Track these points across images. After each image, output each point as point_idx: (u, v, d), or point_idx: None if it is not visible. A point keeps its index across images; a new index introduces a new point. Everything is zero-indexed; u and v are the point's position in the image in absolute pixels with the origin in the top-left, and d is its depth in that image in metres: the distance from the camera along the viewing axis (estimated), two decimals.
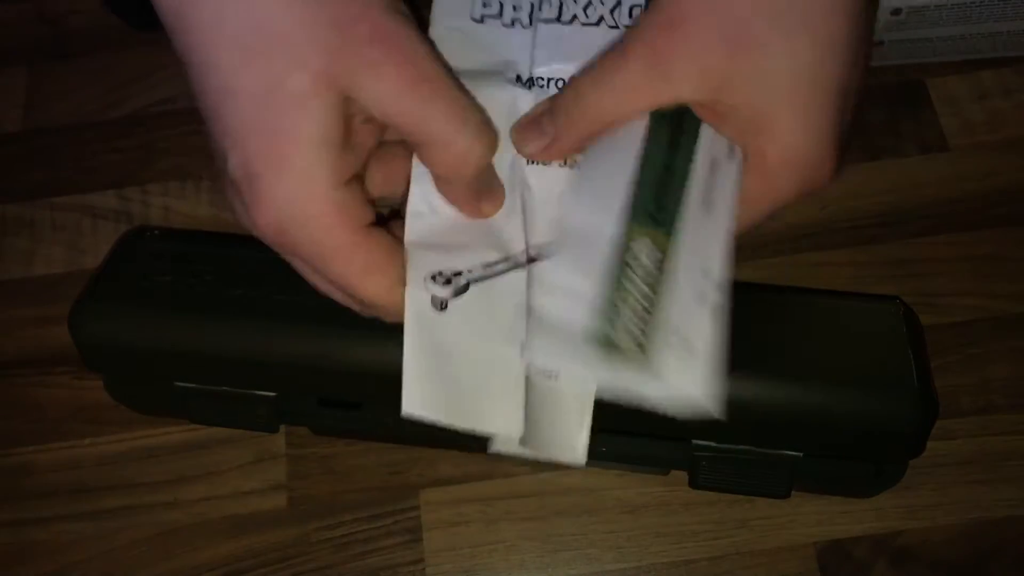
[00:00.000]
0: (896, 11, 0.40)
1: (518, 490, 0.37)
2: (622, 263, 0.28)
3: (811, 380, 0.31)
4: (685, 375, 0.27)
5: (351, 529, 0.37)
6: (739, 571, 0.36)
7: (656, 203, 0.29)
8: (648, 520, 0.37)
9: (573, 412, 0.30)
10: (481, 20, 0.33)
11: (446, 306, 0.29)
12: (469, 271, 0.30)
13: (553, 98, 0.30)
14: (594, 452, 0.35)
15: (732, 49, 0.26)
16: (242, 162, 0.27)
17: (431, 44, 0.28)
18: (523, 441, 0.30)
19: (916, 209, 0.40)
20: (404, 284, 0.29)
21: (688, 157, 0.29)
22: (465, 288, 0.29)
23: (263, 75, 0.26)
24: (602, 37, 0.32)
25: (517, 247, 0.31)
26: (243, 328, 0.33)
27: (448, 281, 0.29)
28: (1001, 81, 0.43)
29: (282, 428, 0.38)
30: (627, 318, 0.28)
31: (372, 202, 0.30)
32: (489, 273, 0.30)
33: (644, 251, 0.28)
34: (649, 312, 0.28)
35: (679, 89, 0.27)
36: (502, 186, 0.31)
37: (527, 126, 0.30)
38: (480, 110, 0.28)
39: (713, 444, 0.33)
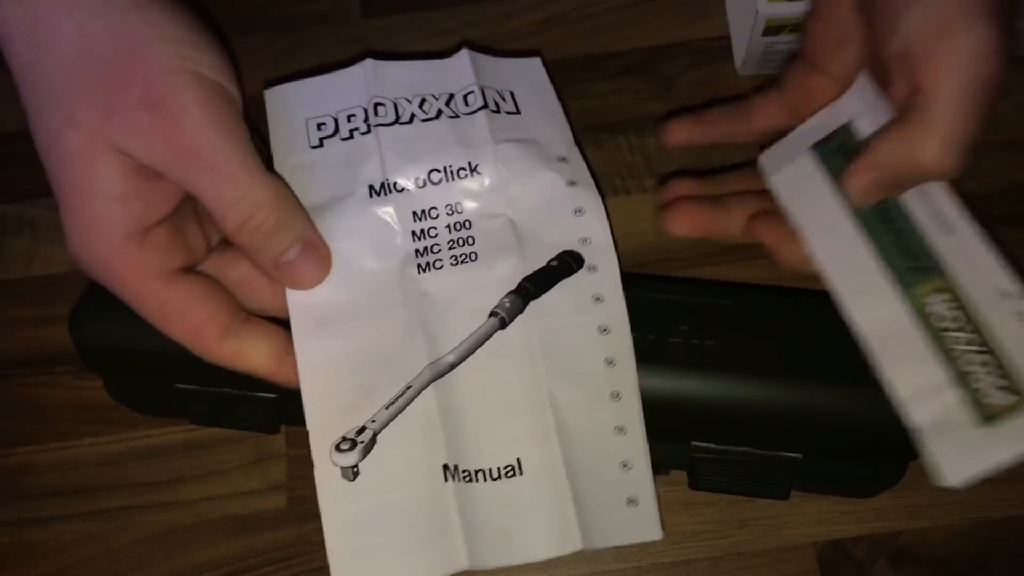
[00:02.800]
0: None
1: None
2: (933, 331, 0.28)
3: (810, 381, 0.31)
4: None
5: None
6: (739, 571, 0.36)
7: (907, 257, 0.29)
8: None
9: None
10: (320, 144, 0.33)
11: (358, 472, 0.29)
12: (372, 421, 0.29)
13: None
14: None
15: None
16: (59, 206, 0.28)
17: (222, 102, 0.28)
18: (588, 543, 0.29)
19: None
20: (217, 327, 0.29)
21: (894, 201, 0.30)
22: (373, 442, 0.29)
23: (46, 129, 0.27)
24: (447, 129, 0.32)
25: (419, 364, 0.30)
26: None
27: (353, 445, 0.29)
28: None
29: (282, 428, 0.38)
30: (983, 378, 0.28)
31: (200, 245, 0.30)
32: (394, 412, 0.30)
33: (938, 305, 0.29)
34: (993, 357, 0.28)
35: None
36: (326, 250, 0.30)
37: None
38: (260, 174, 0.28)
39: (712, 445, 0.33)
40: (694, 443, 0.33)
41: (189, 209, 0.30)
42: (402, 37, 0.45)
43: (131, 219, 0.28)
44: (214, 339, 0.29)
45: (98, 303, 0.34)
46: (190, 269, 0.30)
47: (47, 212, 0.43)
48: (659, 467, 0.36)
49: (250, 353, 0.29)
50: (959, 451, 0.28)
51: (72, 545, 0.37)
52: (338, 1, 0.46)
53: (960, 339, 0.28)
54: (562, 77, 0.43)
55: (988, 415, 0.28)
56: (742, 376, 0.31)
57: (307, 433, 0.38)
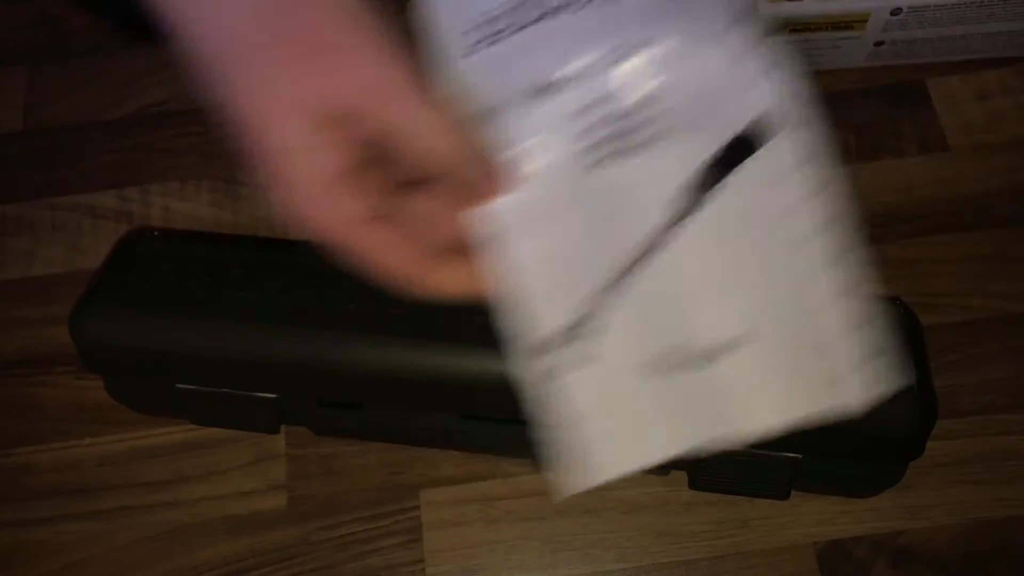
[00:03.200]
0: (896, 11, 0.40)
1: (518, 490, 0.37)
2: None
3: None
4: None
5: (351, 529, 0.37)
6: (739, 571, 0.36)
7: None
8: (648, 520, 0.37)
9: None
10: (477, 48, 0.33)
11: (576, 366, 0.29)
12: (582, 315, 0.29)
13: None
14: None
15: None
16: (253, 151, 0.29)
17: (389, 30, 0.28)
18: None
19: (916, 209, 0.40)
20: (417, 262, 0.29)
21: None
22: (588, 334, 0.29)
23: (227, 93, 0.28)
24: (603, 13, 0.31)
25: (619, 253, 0.30)
26: (243, 330, 0.33)
27: (567, 339, 0.29)
28: (1001, 81, 0.43)
29: (282, 428, 0.38)
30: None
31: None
32: (603, 302, 0.29)
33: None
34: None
35: None
36: (509, 161, 0.30)
37: None
38: (441, 100, 0.29)
39: None
40: None
41: (370, 153, 0.30)
42: None
43: (321, 171, 0.28)
44: (417, 274, 0.30)
45: (98, 303, 0.34)
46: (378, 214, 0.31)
47: (47, 212, 0.43)
48: (659, 467, 0.36)
49: (453, 279, 0.30)
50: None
51: (72, 545, 0.37)
52: None
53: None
54: None
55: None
56: None
57: (307, 433, 0.38)
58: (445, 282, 0.30)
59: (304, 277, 0.34)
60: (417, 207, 0.31)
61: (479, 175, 0.30)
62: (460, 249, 0.31)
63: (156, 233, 0.37)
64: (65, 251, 0.42)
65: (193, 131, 0.44)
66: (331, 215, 0.29)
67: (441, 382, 0.32)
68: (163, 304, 0.33)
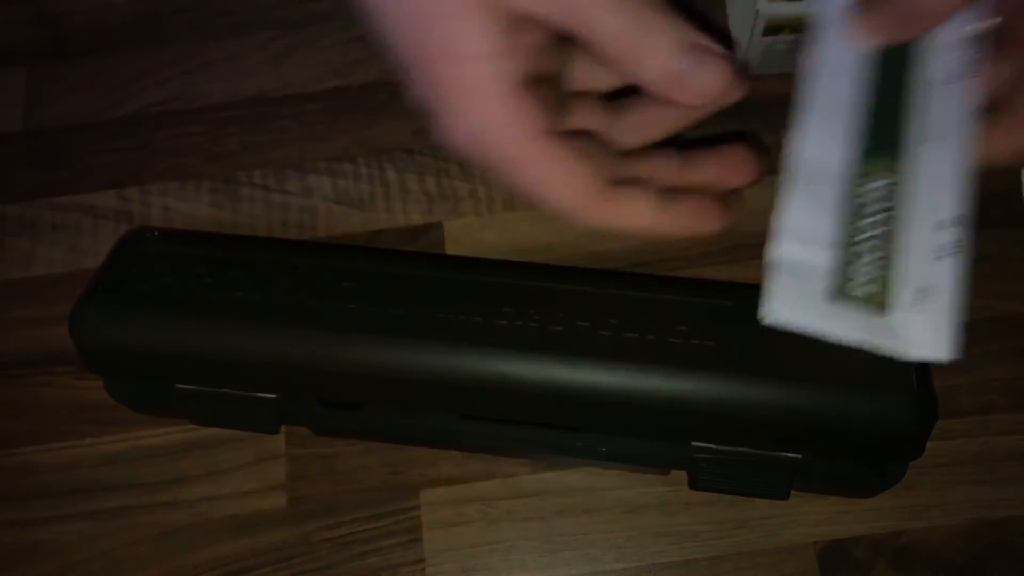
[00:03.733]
0: None
1: (518, 490, 0.37)
2: (855, 201, 0.27)
3: (809, 383, 0.31)
4: (924, 333, 0.27)
5: (351, 529, 0.37)
6: (739, 571, 0.36)
7: (885, 134, 0.28)
8: (648, 520, 0.37)
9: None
10: None
11: None
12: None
13: None
14: (594, 452, 0.35)
15: None
16: (429, 90, 0.27)
17: None
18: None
19: None
20: (601, 185, 0.28)
21: (916, 80, 0.28)
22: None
23: (409, 5, 0.26)
24: None
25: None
26: (244, 330, 0.33)
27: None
28: None
29: (282, 428, 0.38)
30: (864, 267, 0.27)
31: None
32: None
33: (878, 188, 0.28)
34: (886, 258, 0.27)
35: None
36: (719, 48, 0.28)
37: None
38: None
39: (713, 446, 0.33)
40: (694, 443, 0.33)
41: (551, 64, 0.29)
42: None
43: (505, 78, 0.27)
44: (597, 200, 0.28)
45: (98, 303, 0.34)
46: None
47: (47, 212, 0.43)
48: (659, 467, 0.36)
49: (629, 211, 0.29)
50: (791, 299, 0.28)
51: (72, 545, 0.37)
52: (338, 1, 0.46)
53: (871, 224, 0.28)
54: None
55: (839, 292, 0.28)
56: (742, 376, 0.31)
57: (307, 433, 0.38)
58: (620, 213, 0.28)
59: (304, 277, 0.34)
60: (618, 121, 0.30)
61: (684, 63, 0.27)
62: (638, 181, 0.29)
63: (156, 233, 0.37)
64: (65, 251, 0.42)
65: (193, 131, 0.44)
66: (512, 127, 0.27)
67: (441, 382, 0.32)
68: (163, 304, 0.33)
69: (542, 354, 0.32)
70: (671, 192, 0.30)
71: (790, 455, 0.33)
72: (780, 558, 0.36)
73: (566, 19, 0.27)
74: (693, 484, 0.35)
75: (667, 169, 0.32)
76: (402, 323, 0.33)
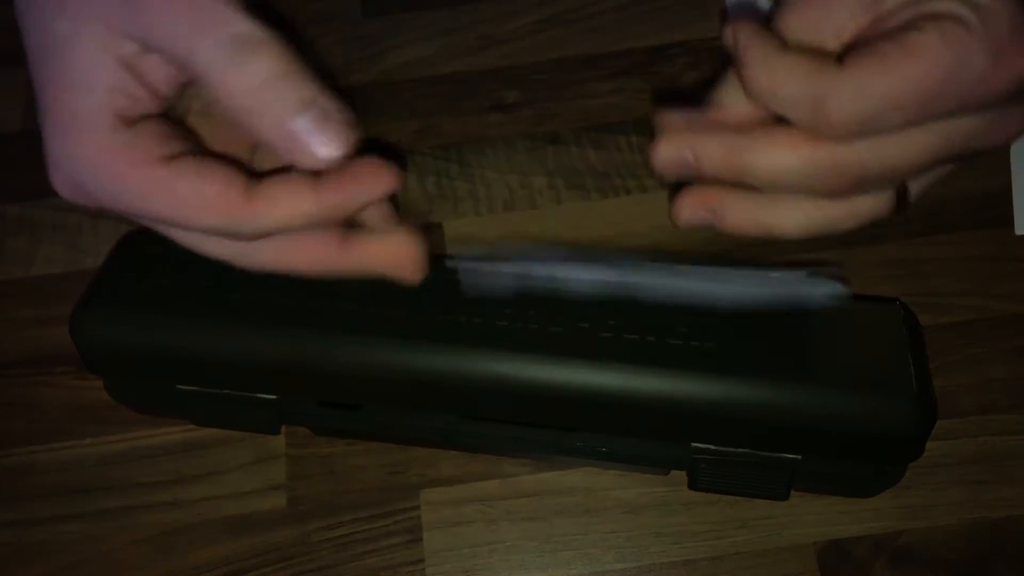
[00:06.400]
0: None
1: (518, 490, 0.37)
2: None
3: (809, 383, 0.31)
4: None
5: (351, 529, 0.37)
6: (739, 571, 0.36)
7: None
8: (648, 520, 0.37)
9: None
10: None
11: None
12: None
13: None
14: (594, 452, 0.35)
15: None
16: (41, 126, 0.26)
17: None
18: None
19: (916, 209, 0.40)
20: (239, 187, 0.26)
21: None
22: None
23: (35, 20, 0.26)
24: None
25: None
26: (244, 331, 0.33)
27: None
28: None
29: (282, 428, 0.38)
30: None
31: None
32: None
33: None
34: None
35: None
36: (343, 115, 0.26)
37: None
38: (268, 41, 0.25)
39: (712, 446, 0.33)
40: (694, 444, 0.33)
41: (177, 114, 0.28)
42: (402, 37, 0.45)
43: (120, 109, 0.26)
44: (241, 200, 0.26)
45: (98, 304, 0.34)
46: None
47: (47, 212, 0.43)
48: (659, 467, 0.36)
49: (283, 197, 0.26)
50: None
51: (72, 545, 0.37)
52: (338, 1, 0.46)
53: None
54: (562, 77, 0.43)
55: None
56: (742, 378, 0.31)
57: (307, 433, 0.38)
58: (273, 205, 0.26)
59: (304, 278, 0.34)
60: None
61: (302, 123, 0.25)
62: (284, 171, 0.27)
63: (156, 234, 0.37)
64: (65, 251, 0.42)
65: None
66: (127, 154, 0.26)
67: (441, 383, 0.32)
68: (163, 305, 0.33)
69: (542, 355, 0.32)
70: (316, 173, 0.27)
71: (790, 455, 0.33)
72: (780, 558, 0.36)
73: (187, 63, 0.25)
74: (693, 484, 0.35)
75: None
76: (402, 324, 0.33)
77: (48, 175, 0.27)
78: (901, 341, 0.32)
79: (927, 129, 0.26)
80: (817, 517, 0.36)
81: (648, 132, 0.42)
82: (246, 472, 0.38)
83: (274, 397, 0.35)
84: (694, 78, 0.42)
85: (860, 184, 0.27)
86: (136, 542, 0.37)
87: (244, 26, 0.25)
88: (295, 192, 0.26)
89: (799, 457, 0.33)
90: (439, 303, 0.33)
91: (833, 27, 0.27)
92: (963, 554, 0.36)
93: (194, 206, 0.26)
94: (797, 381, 0.31)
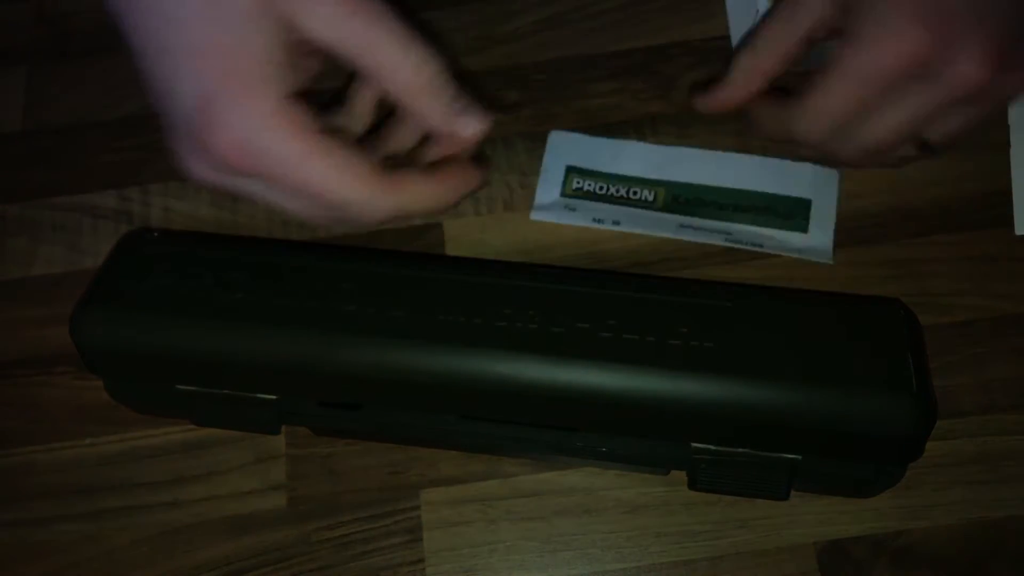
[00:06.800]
0: None
1: (518, 490, 0.37)
2: None
3: (809, 384, 0.31)
4: None
5: (351, 529, 0.37)
6: (739, 571, 0.36)
7: None
8: (648, 520, 0.37)
9: None
10: None
11: None
12: None
13: None
14: (594, 452, 0.35)
15: None
16: (194, 91, 0.29)
17: None
18: None
19: (916, 209, 0.40)
20: (380, 169, 0.30)
21: None
22: None
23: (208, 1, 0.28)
24: None
25: None
26: (244, 331, 0.33)
27: None
28: None
29: (282, 428, 0.38)
30: None
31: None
32: None
33: None
34: None
35: None
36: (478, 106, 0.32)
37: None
38: (420, 38, 0.30)
39: (712, 447, 0.33)
40: (694, 444, 0.33)
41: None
42: None
43: (289, 83, 0.29)
44: (383, 180, 0.30)
45: (98, 304, 0.34)
46: None
47: (47, 212, 0.43)
48: (659, 467, 0.36)
49: (414, 187, 0.31)
50: None
51: (72, 545, 0.37)
52: None
53: None
54: (562, 77, 0.43)
55: None
56: (741, 378, 0.31)
57: (307, 433, 0.38)
58: (407, 193, 0.31)
59: (304, 278, 0.34)
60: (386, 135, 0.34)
61: (460, 106, 0.31)
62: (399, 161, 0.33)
63: (156, 233, 0.37)
64: (65, 251, 0.42)
65: None
66: (297, 120, 0.29)
67: (441, 383, 0.32)
68: (163, 305, 0.34)
69: (542, 355, 0.32)
70: (431, 166, 0.33)
71: (790, 455, 0.33)
72: (780, 558, 0.36)
73: (356, 53, 0.29)
74: (693, 485, 0.35)
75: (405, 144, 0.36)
76: (402, 324, 0.33)
77: (206, 141, 0.29)
78: (901, 341, 0.32)
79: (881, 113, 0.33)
80: (817, 517, 0.36)
81: (648, 132, 0.42)
82: (246, 472, 0.38)
83: (274, 397, 0.35)
84: (694, 78, 0.42)
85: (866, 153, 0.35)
86: (136, 542, 0.37)
87: (403, 26, 0.30)
88: (420, 182, 0.31)
89: (799, 457, 0.33)
90: (439, 304, 0.33)
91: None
92: (963, 554, 0.36)
93: (344, 177, 0.30)
94: (797, 381, 0.31)
